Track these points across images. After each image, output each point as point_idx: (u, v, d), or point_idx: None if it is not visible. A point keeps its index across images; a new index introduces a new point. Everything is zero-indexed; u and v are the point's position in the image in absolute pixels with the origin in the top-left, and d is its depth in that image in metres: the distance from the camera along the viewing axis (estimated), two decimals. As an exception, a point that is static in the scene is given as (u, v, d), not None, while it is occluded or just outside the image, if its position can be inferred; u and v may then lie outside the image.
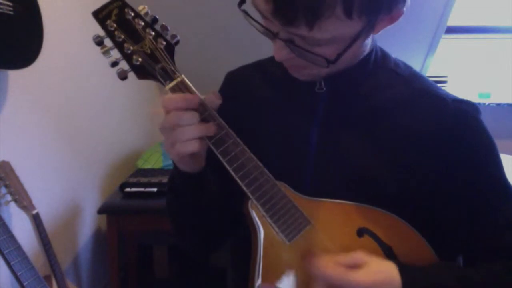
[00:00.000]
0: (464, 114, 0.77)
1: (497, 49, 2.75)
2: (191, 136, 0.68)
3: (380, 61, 0.82)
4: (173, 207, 0.86)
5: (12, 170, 1.27)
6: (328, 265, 0.68)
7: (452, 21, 2.38)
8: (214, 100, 0.71)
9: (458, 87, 2.76)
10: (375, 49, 0.81)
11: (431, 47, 2.50)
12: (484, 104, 2.72)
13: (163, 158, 2.38)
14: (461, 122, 0.76)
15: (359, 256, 0.69)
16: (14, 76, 1.45)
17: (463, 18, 2.58)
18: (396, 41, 2.41)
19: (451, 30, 2.50)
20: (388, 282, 0.68)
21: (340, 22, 0.63)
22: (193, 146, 0.68)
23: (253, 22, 0.69)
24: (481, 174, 0.78)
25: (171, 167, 2.43)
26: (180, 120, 0.67)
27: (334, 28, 0.64)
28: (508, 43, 2.68)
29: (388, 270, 0.69)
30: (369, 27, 0.68)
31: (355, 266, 0.68)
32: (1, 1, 1.21)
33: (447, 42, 2.61)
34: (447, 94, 0.80)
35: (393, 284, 0.68)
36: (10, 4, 1.25)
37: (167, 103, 0.68)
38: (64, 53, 1.77)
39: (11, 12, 1.25)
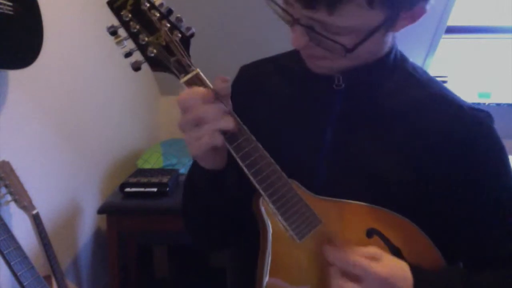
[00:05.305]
0: (479, 122, 0.77)
1: (497, 49, 2.75)
2: (217, 128, 0.66)
3: (399, 63, 0.82)
4: (189, 206, 0.85)
5: (12, 170, 1.27)
6: (349, 252, 0.69)
7: (452, 21, 2.38)
8: (222, 86, 0.68)
9: (458, 87, 2.76)
10: (395, 51, 0.81)
11: (431, 47, 2.50)
12: (484, 104, 2.71)
13: (163, 158, 2.37)
14: (476, 130, 0.76)
15: (374, 249, 0.71)
16: (14, 76, 1.44)
17: (463, 18, 2.58)
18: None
19: (451, 30, 2.50)
20: (403, 278, 0.69)
21: (361, 10, 0.63)
22: (220, 138, 0.67)
23: (275, 6, 0.69)
24: (493, 182, 0.78)
25: (171, 167, 2.43)
26: (206, 113, 0.66)
27: (354, 16, 0.64)
28: (508, 43, 2.68)
29: (402, 267, 0.70)
30: (390, 22, 0.68)
31: (372, 258, 0.69)
32: (1, 1, 1.21)
33: (447, 42, 2.61)
34: (464, 101, 0.80)
35: (407, 280, 0.69)
36: (10, 4, 1.25)
37: (188, 98, 0.66)
38: (64, 53, 1.76)
39: (11, 12, 1.25)
